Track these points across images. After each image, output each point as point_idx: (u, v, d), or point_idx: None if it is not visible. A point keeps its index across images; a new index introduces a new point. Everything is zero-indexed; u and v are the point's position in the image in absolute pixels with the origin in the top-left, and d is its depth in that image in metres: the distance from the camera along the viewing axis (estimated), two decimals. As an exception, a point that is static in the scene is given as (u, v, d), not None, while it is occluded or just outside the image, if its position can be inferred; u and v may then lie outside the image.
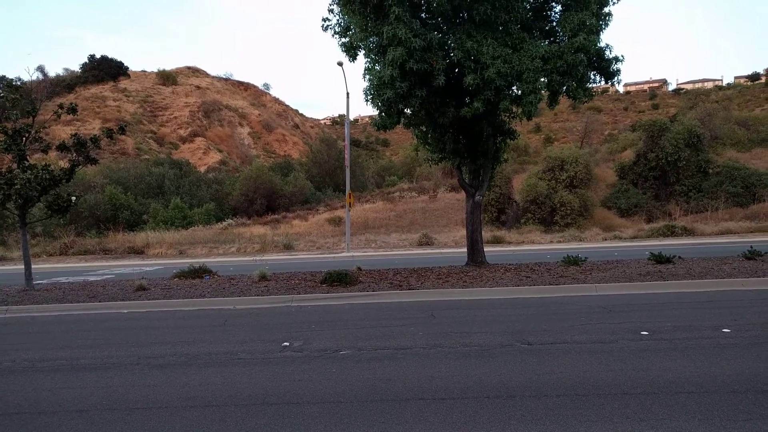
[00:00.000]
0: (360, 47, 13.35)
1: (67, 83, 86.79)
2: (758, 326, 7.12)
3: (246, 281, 13.52)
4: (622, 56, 13.12)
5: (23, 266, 13.99)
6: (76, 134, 13.86)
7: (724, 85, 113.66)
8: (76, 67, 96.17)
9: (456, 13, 12.91)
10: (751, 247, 14.36)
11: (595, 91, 14.19)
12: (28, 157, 13.56)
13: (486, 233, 24.47)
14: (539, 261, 15.88)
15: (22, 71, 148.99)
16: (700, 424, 4.09)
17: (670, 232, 26.67)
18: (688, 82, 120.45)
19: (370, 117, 61.82)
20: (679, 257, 14.08)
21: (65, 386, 5.75)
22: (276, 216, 41.19)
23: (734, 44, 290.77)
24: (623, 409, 4.43)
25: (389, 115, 13.12)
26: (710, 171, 34.56)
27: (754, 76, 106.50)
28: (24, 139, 13.27)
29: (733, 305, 8.80)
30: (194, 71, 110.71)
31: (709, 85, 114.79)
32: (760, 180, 33.43)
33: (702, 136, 35.06)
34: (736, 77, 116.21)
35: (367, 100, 13.09)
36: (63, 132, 45.43)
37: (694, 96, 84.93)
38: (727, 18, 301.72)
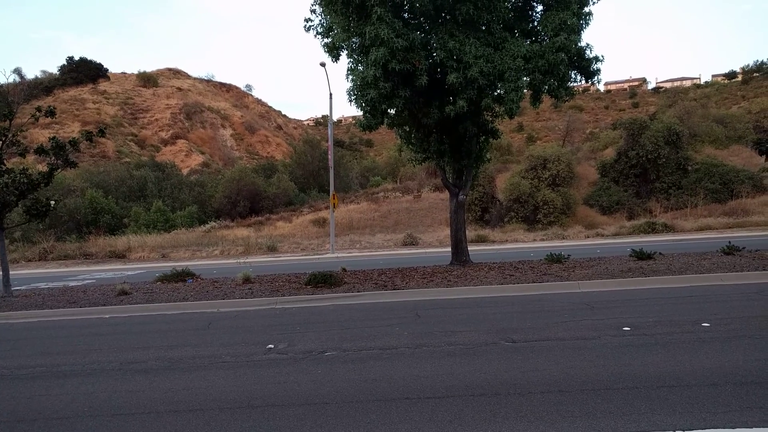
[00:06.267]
0: (343, 48, 13.32)
1: (45, 86, 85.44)
2: (737, 320, 7.25)
3: (230, 284, 13.42)
4: (602, 56, 13.32)
5: (0, 272, 13.72)
6: (54, 137, 13.64)
7: (702, 83, 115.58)
8: (54, 70, 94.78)
9: (438, 13, 12.95)
10: (729, 242, 14.61)
11: (576, 90, 14.33)
12: (5, 161, 13.32)
13: (470, 232, 24.60)
14: (523, 259, 15.99)
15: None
16: (681, 416, 4.16)
17: (651, 229, 27.03)
18: (667, 81, 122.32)
19: (354, 117, 61.79)
20: (660, 253, 14.28)
21: (45, 393, 5.65)
22: (260, 218, 40.96)
23: (712, 43, 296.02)
24: (606, 404, 4.48)
25: (373, 115, 13.11)
26: (689, 168, 35.08)
27: (731, 75, 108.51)
28: (1, 142, 13.03)
29: (712, 300, 8.94)
30: (175, 73, 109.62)
31: (688, 83, 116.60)
32: (738, 176, 34.04)
33: (681, 133, 35.57)
34: (713, 75, 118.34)
35: (350, 101, 13.08)
36: (41, 135, 44.72)
37: (673, 94, 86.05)
38: (704, 17, 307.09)
